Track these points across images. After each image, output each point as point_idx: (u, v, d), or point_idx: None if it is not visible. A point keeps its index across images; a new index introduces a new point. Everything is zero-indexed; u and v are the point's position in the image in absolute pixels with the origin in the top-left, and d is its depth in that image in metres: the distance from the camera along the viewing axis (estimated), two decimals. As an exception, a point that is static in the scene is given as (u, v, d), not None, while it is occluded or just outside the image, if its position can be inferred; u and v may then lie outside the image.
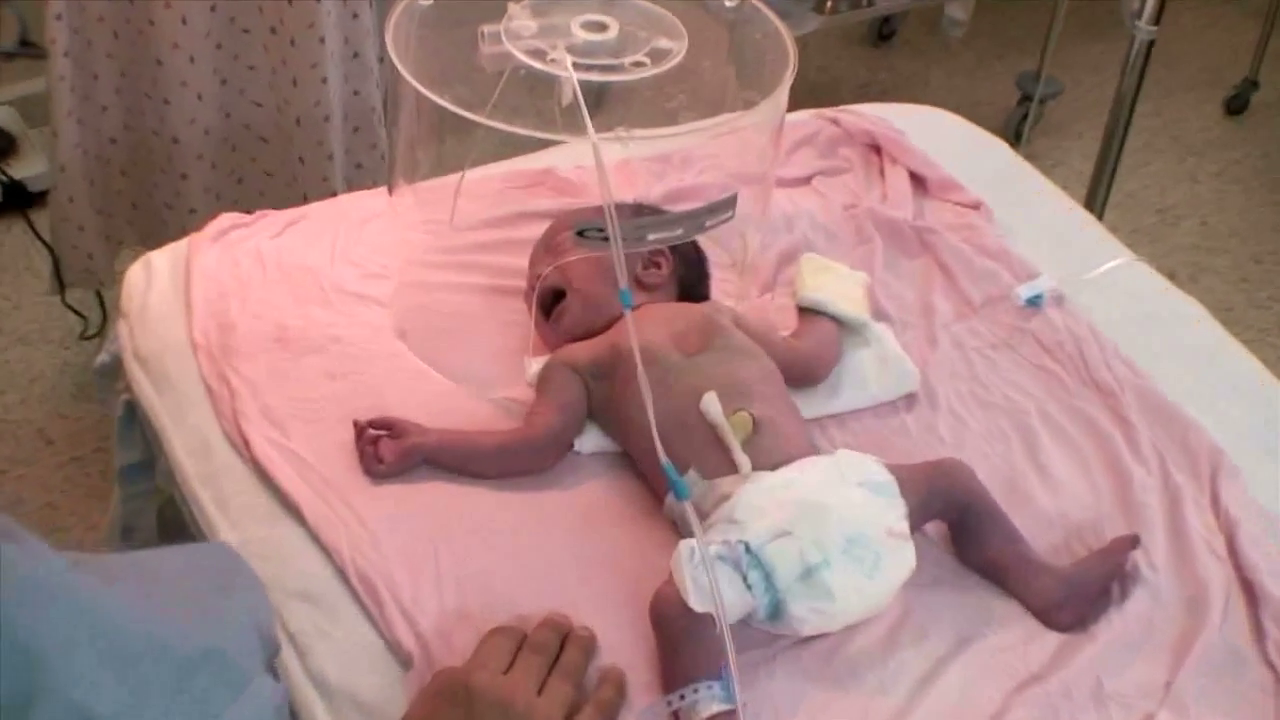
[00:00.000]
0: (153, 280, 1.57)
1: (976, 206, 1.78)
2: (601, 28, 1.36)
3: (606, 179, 1.17)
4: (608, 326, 1.40)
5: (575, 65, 1.28)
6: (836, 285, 1.51)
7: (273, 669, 1.01)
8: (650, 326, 1.36)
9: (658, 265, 1.47)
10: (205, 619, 0.85)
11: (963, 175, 1.83)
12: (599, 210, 1.19)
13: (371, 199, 1.71)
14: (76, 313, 2.35)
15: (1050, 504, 1.36)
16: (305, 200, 2.09)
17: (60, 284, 2.26)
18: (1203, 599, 1.27)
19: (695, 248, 1.52)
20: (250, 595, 0.97)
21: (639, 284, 1.45)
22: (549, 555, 1.26)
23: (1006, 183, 1.87)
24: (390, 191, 1.54)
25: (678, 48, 1.37)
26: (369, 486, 1.31)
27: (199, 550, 1.16)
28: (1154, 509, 1.36)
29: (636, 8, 1.42)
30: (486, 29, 1.35)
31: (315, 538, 1.26)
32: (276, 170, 2.22)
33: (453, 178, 1.64)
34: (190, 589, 0.90)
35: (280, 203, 2.13)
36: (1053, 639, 1.24)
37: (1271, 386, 1.55)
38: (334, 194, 2.16)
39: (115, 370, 1.56)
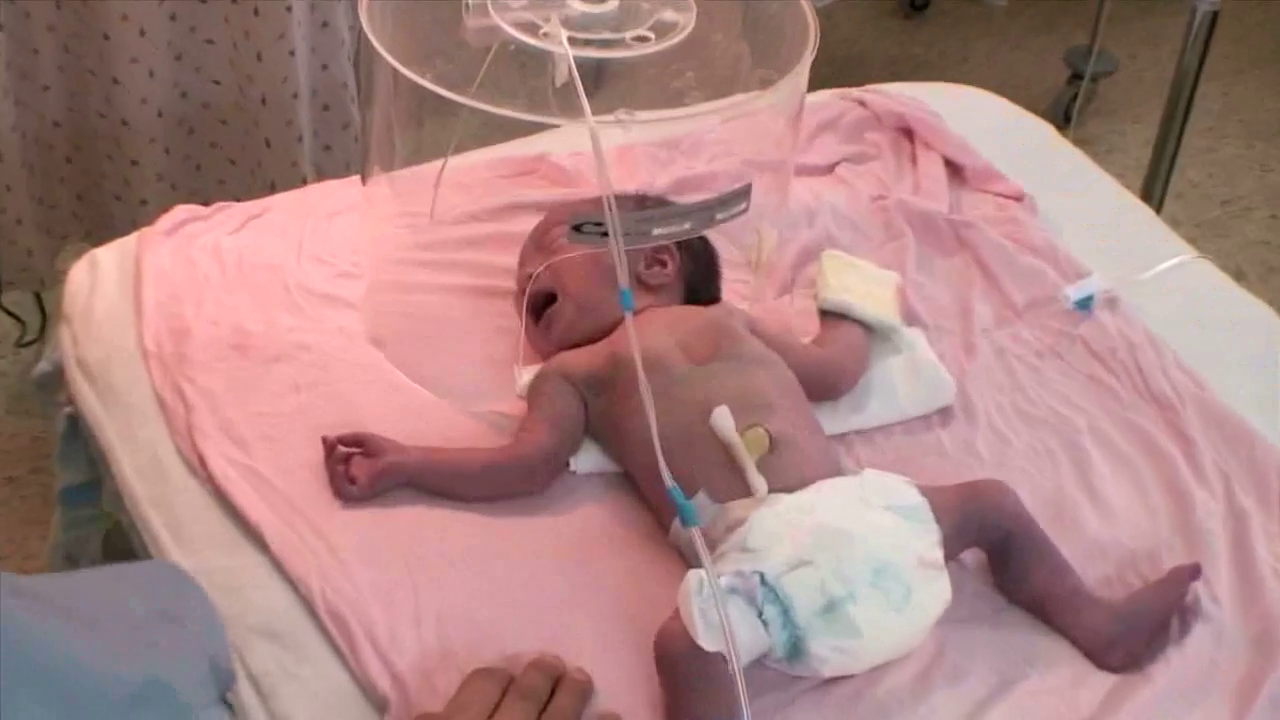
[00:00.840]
0: (98, 280, 1.58)
1: (1020, 198, 1.78)
2: (600, -2, 1.37)
3: (605, 167, 1.18)
4: (607, 332, 1.40)
5: (571, 40, 1.29)
6: (863, 286, 1.52)
7: (227, 702, 1.01)
8: (654, 332, 1.37)
9: (662, 264, 1.48)
10: (150, 648, 0.85)
11: (1005, 162, 1.83)
12: (597, 202, 1.19)
13: (342, 189, 1.71)
14: (13, 316, 2.36)
15: (1102, 530, 1.37)
16: (273, 188, 2.11)
17: (-5, 284, 2.27)
18: (1271, 637, 1.27)
19: (705, 244, 1.53)
20: (201, 621, 0.98)
21: (641, 285, 1.46)
22: (540, 587, 1.27)
23: (1054, 171, 1.87)
24: (364, 181, 1.55)
25: (685, 20, 1.38)
26: (340, 511, 1.31)
27: (147, 570, 1.17)
28: (1217, 536, 1.36)
29: (639, -25, 1.42)
30: None
31: (280, 568, 1.26)
32: (239, 155, 2.23)
33: (433, 165, 1.65)
34: (136, 614, 0.90)
35: (243, 192, 2.15)
36: (1104, 681, 1.24)
37: (1350, 399, 1.55)
38: (304, 180, 2.17)
39: (56, 381, 1.57)
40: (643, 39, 1.35)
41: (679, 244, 1.47)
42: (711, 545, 1.21)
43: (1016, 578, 1.29)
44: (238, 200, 1.74)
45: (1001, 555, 1.30)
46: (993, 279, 1.66)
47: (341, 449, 1.34)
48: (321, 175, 2.21)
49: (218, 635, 1.03)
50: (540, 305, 1.45)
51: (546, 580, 1.27)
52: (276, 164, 2.19)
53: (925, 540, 1.23)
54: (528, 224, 1.53)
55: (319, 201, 1.70)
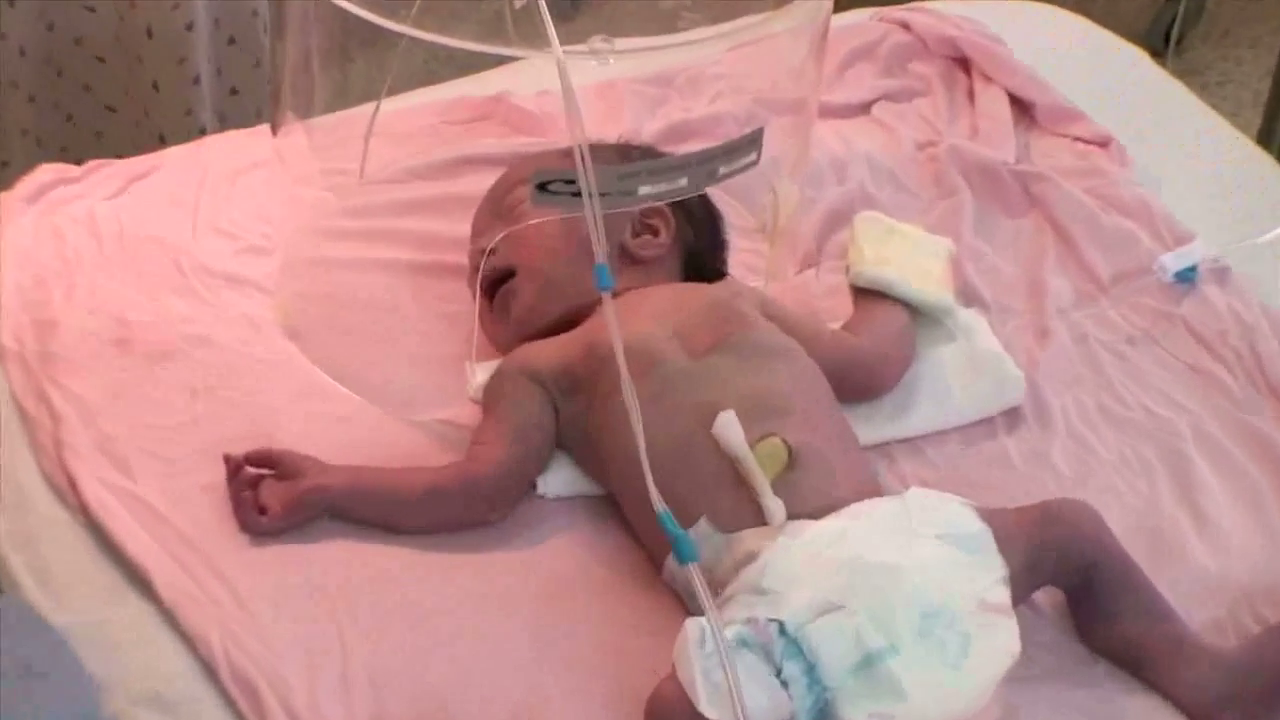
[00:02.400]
0: (-57, 260, 1.57)
1: (1105, 143, 1.78)
2: (569, -104, 1.37)
3: (577, 109, 1.17)
4: (582, 319, 1.40)
5: (533, -50, 1.28)
6: (907, 256, 1.51)
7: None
8: (642, 318, 1.36)
9: (653, 231, 1.47)
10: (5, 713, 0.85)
11: (1086, 99, 1.83)
12: (568, 154, 1.18)
13: (249, 142, 1.71)
14: None
15: (1210, 560, 1.37)
16: (162, 143, 2.10)
17: None
18: None
19: (706, 206, 1.52)
20: (67, 676, 0.97)
21: (626, 258, 1.45)
22: (502, 642, 1.26)
23: (1149, 109, 1.87)
24: (275, 130, 1.54)
25: (677, -77, 1.38)
26: (248, 548, 1.31)
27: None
28: (1357, 567, 1.37)
29: None
30: (408, -99, 1.35)
31: (172, 620, 1.26)
32: (120, 102, 2.22)
33: (363, 111, 1.64)
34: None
35: (125, 147, 2.13)
36: (1214, 752, 1.24)
37: None
38: (202, 131, 2.16)
39: (-109, 387, 1.56)
40: (624, -54, 1.34)
41: (674, 206, 1.46)
42: (716, 586, 1.21)
43: (1103, 622, 1.28)
44: (118, 158, 1.73)
45: (1084, 595, 1.29)
46: (1071, 246, 1.65)
47: (249, 470, 1.33)
48: (226, 125, 2.21)
49: (87, 694, 1.03)
50: (498, 285, 1.44)
51: (509, 633, 1.27)
52: (166, 112, 2.18)
53: (988, 578, 1.22)
54: (482, 183, 1.53)
55: (220, 158, 1.70)
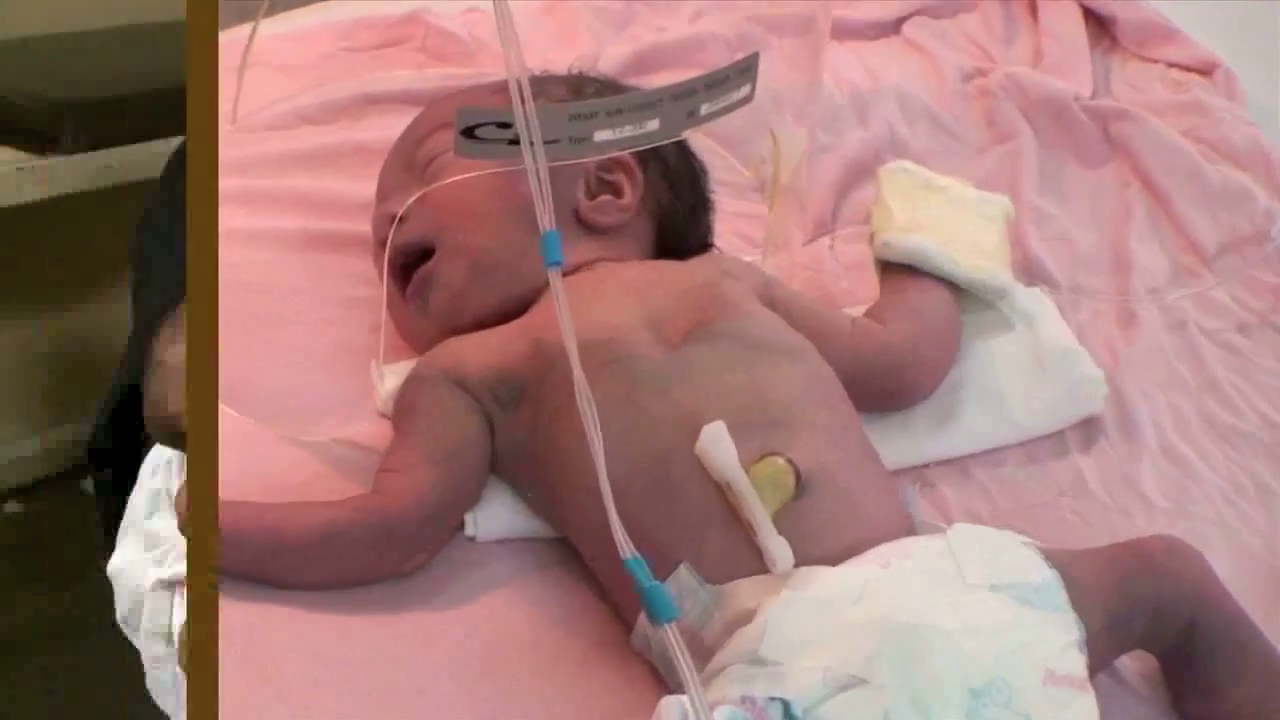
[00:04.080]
0: None
1: (1209, 71, 1.80)
2: None
3: (513, 30, 1.17)
4: (524, 307, 1.41)
5: None
6: (950, 220, 1.52)
7: None
8: (603, 303, 1.37)
9: (615, 190, 1.48)
10: None
11: (1184, 13, 1.84)
12: (503, 90, 1.18)
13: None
14: None
15: (1350, 616, 1.37)
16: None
17: None
18: None
19: (685, 157, 1.53)
20: None
21: (581, 225, 1.46)
22: (423, 730, 1.26)
23: (1265, 25, 1.89)
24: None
25: None
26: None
27: None
28: None
29: None
30: None
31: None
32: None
33: (238, 34, 1.65)
34: None
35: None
36: None
37: None
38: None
39: None
40: None
41: (642, 158, 1.47)
42: (702, 653, 1.21)
43: (1208, 696, 1.29)
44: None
45: (1183, 660, 1.29)
46: (1165, 204, 1.67)
47: (88, 507, 1.33)
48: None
49: None
50: (413, 263, 1.45)
51: (434, 717, 1.26)
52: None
53: (1058, 641, 1.22)
54: (392, 128, 1.53)
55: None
